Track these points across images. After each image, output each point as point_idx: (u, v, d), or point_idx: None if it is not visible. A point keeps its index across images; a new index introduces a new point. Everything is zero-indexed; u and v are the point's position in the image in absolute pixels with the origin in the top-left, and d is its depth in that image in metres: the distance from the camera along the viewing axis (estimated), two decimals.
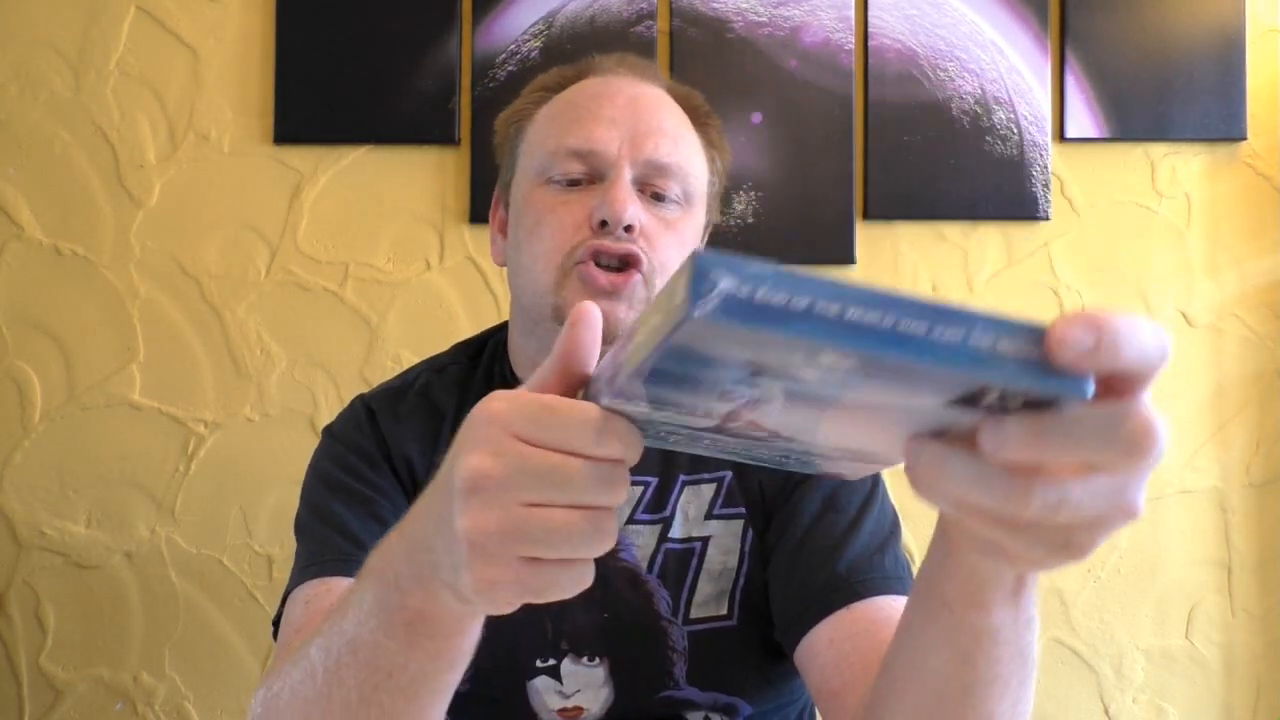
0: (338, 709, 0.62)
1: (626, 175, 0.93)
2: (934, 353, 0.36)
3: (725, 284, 0.35)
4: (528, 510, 0.48)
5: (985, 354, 0.37)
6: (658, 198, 0.95)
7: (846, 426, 0.45)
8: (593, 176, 0.94)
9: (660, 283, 0.93)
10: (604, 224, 0.91)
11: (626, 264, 0.92)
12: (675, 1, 1.79)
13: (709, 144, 1.02)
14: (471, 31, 1.79)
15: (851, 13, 1.80)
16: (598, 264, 0.92)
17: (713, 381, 0.41)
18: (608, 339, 0.91)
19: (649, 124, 0.95)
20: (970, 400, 0.39)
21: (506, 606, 0.51)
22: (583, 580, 0.50)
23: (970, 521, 0.44)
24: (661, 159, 0.94)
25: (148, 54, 1.81)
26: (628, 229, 0.91)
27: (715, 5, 1.80)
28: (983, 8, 1.81)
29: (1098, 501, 0.41)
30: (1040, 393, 0.38)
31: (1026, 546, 0.44)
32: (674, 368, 0.40)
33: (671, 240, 0.95)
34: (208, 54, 1.81)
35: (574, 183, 0.94)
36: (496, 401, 0.49)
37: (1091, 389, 0.38)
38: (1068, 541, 0.43)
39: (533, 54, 1.78)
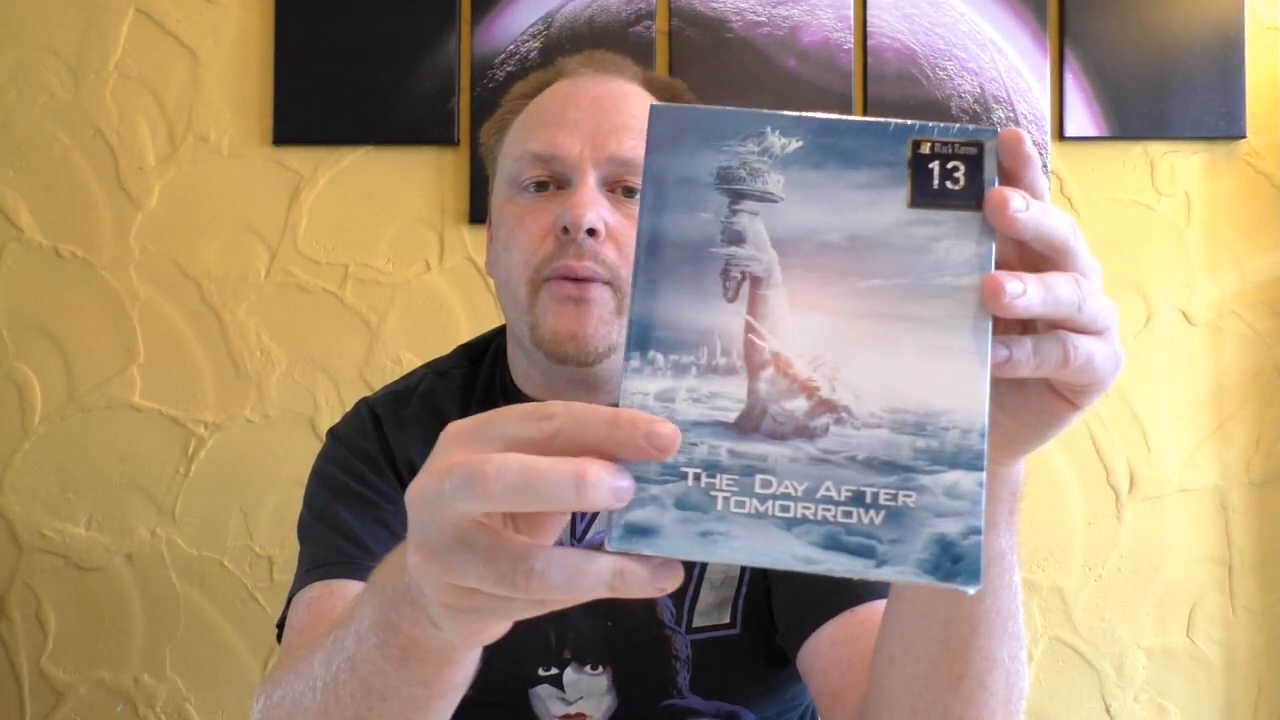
0: None
1: (591, 178, 0.91)
2: (861, 122, 0.46)
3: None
4: (451, 534, 0.45)
5: (903, 124, 0.46)
6: (629, 192, 0.93)
7: (870, 345, 0.45)
8: (559, 182, 0.93)
9: None
10: (567, 230, 0.90)
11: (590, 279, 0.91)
12: (674, 1, 1.79)
13: None
14: (471, 32, 1.79)
15: (850, 12, 1.80)
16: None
17: (703, 231, 0.46)
18: (578, 354, 0.90)
19: (612, 121, 0.93)
20: (923, 186, 0.45)
21: (475, 636, 0.50)
22: (526, 608, 0.47)
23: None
24: (625, 154, 0.92)
25: (147, 56, 1.81)
26: (592, 233, 0.90)
27: (714, 5, 1.80)
28: (982, 7, 1.81)
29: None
30: (963, 138, 0.46)
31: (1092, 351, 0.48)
32: (668, 224, 0.46)
33: None
34: (207, 55, 1.81)
35: (542, 187, 0.93)
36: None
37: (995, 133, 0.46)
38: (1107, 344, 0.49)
39: (532, 54, 1.78)
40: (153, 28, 1.81)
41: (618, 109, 0.94)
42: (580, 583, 0.43)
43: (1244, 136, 1.82)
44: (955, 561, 0.44)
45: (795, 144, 0.46)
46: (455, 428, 0.47)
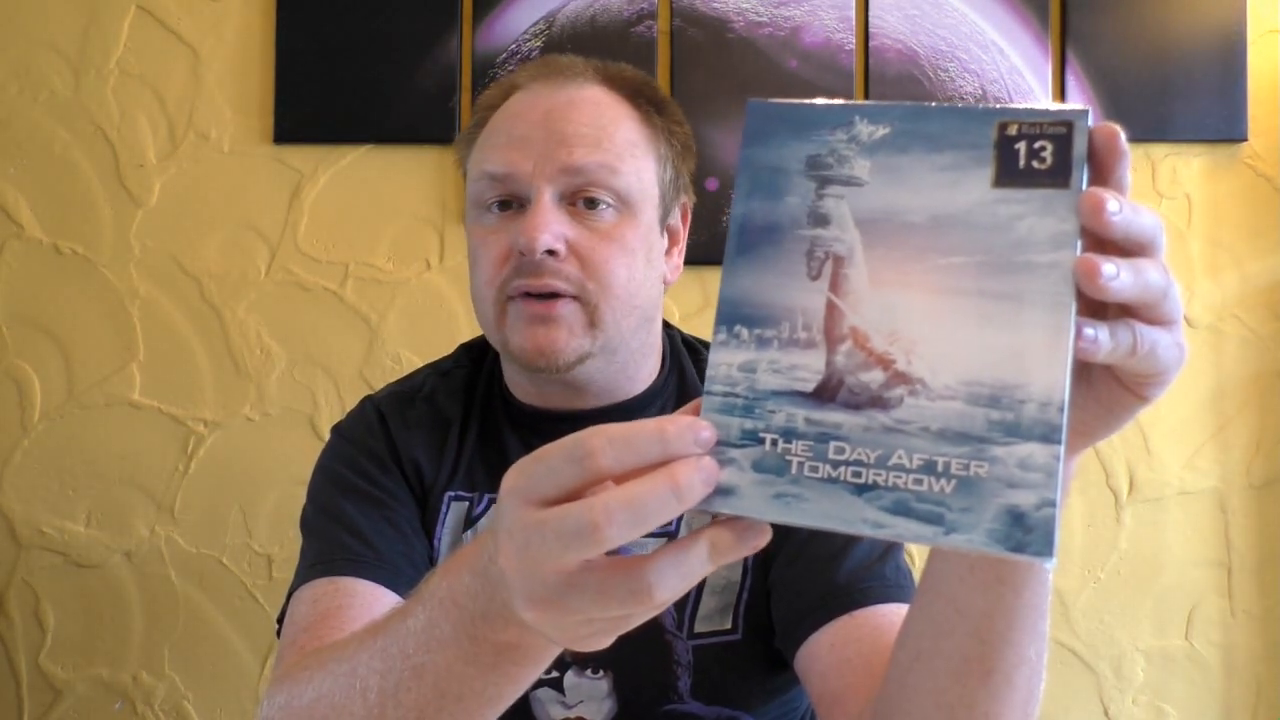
0: None
1: (546, 195, 0.90)
2: (948, 107, 0.48)
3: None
4: (562, 586, 0.47)
5: (990, 108, 0.47)
6: (591, 203, 0.91)
7: (948, 320, 0.46)
8: (520, 200, 0.92)
9: (609, 299, 0.91)
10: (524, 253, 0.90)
11: (555, 294, 0.91)
12: (675, 1, 1.79)
13: (651, 128, 0.97)
14: (471, 31, 1.79)
15: (852, 13, 1.80)
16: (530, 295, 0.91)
17: (790, 214, 0.48)
18: (549, 367, 0.91)
19: (563, 132, 0.91)
20: (1008, 166, 0.46)
21: (600, 646, 0.52)
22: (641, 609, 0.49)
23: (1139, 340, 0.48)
24: (578, 162, 0.90)
25: (148, 53, 1.81)
26: (551, 253, 0.89)
27: (715, 5, 1.79)
28: (983, 8, 1.80)
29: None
30: (1052, 118, 0.46)
31: (1162, 341, 0.49)
32: (758, 209, 0.49)
33: (612, 251, 0.91)
34: (208, 53, 1.81)
35: (506, 206, 0.93)
36: (507, 478, 0.49)
37: (1089, 116, 0.46)
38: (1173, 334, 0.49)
39: (533, 54, 1.78)
40: (154, 25, 1.81)
41: (567, 119, 0.92)
42: (691, 572, 0.46)
43: (1245, 139, 1.82)
44: (1027, 532, 0.44)
45: (883, 131, 0.48)
46: (511, 483, 0.48)
